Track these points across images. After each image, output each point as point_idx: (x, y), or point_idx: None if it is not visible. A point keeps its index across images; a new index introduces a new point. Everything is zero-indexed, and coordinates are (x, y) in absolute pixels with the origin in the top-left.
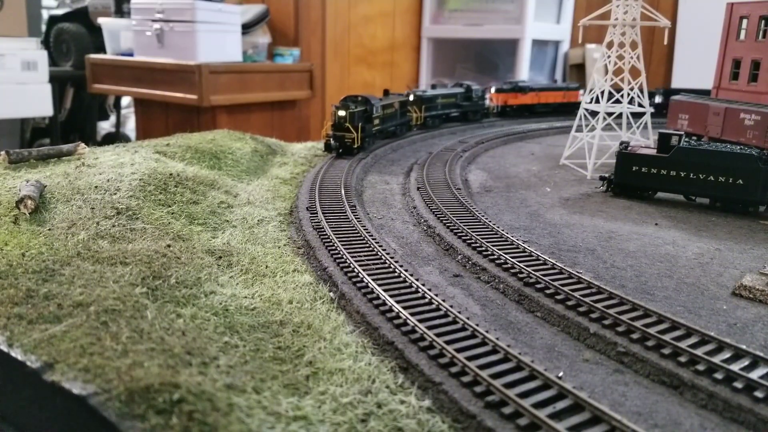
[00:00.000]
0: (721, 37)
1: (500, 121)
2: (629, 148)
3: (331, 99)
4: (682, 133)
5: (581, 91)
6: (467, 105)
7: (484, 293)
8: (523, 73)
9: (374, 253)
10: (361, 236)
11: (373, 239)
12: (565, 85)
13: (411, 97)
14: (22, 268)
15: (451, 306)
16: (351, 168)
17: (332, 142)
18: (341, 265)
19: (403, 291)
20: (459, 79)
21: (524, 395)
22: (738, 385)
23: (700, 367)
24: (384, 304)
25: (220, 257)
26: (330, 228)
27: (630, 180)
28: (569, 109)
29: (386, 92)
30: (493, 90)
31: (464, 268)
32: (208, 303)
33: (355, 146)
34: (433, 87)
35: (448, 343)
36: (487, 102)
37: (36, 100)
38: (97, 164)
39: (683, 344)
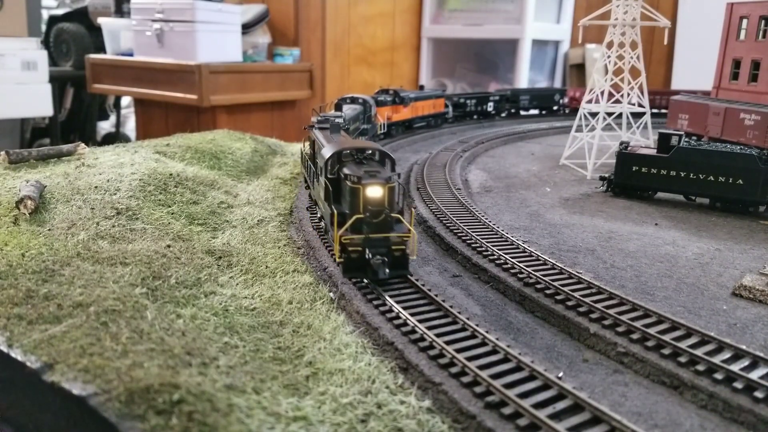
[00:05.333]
0: (721, 37)
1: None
2: (629, 148)
3: (332, 99)
4: (682, 133)
5: (446, 101)
6: (368, 128)
7: (483, 293)
8: (523, 73)
9: None
10: None
11: None
12: (432, 91)
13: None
14: (22, 269)
15: (451, 306)
16: None
17: (371, 256)
18: None
19: (403, 291)
20: (459, 80)
21: (524, 396)
22: (738, 385)
23: (700, 368)
24: (384, 304)
25: (220, 257)
26: None
27: (630, 180)
28: (438, 122)
29: (327, 121)
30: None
31: (464, 268)
32: (208, 303)
33: (413, 255)
34: (337, 106)
35: (448, 343)
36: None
37: (36, 100)
38: (97, 164)
39: (683, 344)
